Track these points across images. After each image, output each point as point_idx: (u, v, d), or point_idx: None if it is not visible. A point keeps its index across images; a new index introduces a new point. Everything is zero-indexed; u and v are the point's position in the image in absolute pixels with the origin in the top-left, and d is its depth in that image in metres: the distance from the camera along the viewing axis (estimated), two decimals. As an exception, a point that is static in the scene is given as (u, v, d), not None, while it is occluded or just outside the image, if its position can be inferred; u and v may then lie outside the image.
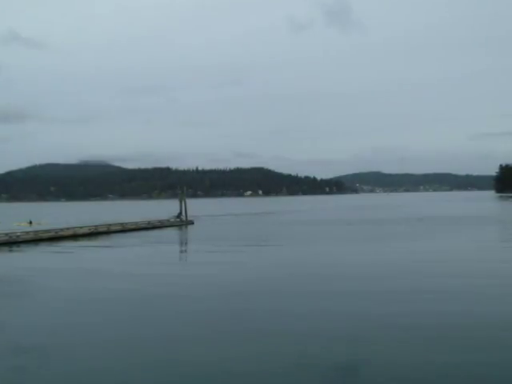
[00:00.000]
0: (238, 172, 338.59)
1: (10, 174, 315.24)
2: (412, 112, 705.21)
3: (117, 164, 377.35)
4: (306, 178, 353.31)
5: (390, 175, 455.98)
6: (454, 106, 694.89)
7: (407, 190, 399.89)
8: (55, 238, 36.40)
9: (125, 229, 44.06)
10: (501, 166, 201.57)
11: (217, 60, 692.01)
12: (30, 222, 52.35)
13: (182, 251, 31.24)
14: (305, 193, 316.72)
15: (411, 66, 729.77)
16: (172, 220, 52.67)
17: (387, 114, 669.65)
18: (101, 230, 41.76)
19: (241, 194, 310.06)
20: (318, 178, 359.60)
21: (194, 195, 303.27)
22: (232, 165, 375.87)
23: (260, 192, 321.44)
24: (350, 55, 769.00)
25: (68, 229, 40.04)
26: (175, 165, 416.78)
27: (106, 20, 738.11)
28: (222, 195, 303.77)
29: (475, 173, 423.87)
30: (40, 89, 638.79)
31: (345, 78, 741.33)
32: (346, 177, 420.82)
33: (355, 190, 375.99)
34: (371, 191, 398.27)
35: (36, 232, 37.23)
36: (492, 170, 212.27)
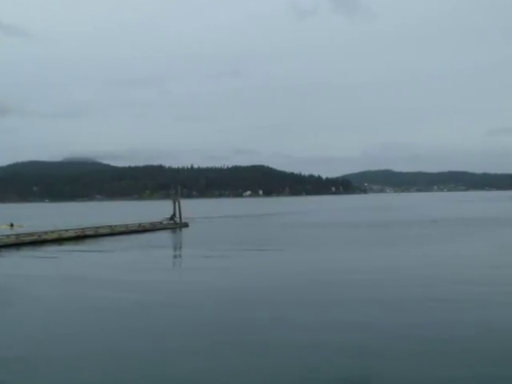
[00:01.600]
0: (237, 170, 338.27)
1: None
2: (425, 105, 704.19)
3: (105, 162, 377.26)
4: (310, 176, 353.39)
5: (400, 174, 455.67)
6: (470, 98, 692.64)
7: (420, 190, 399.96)
8: (38, 241, 36.50)
9: (114, 232, 44.15)
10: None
11: (213, 49, 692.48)
12: (12, 225, 52.45)
13: (175, 256, 31.34)
14: (309, 193, 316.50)
15: (424, 56, 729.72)
16: (165, 222, 52.79)
17: (398, 107, 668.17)
18: (88, 233, 41.87)
19: (239, 195, 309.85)
20: (323, 176, 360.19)
21: (189, 195, 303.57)
22: (230, 162, 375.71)
23: (260, 192, 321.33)
24: (358, 44, 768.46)
25: (52, 232, 40.13)
26: (168, 163, 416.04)
27: (94, 5, 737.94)
28: (220, 195, 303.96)
29: (493, 171, 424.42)
30: (22, 80, 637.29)
31: (352, 68, 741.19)
32: (353, 175, 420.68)
33: (364, 190, 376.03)
34: (381, 191, 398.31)
35: (18, 235, 37.33)
36: (511, 169, 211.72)
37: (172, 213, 54.31)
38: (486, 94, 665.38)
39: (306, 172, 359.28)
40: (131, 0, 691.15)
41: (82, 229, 43.09)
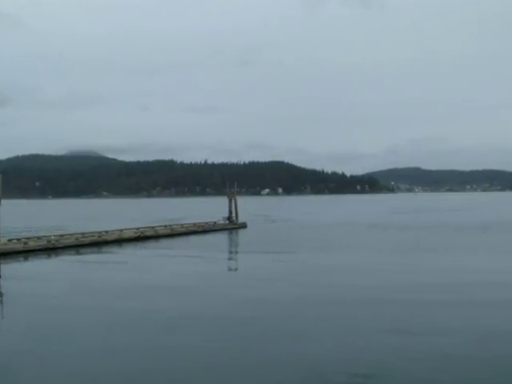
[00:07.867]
0: (254, 166, 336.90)
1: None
2: (457, 98, 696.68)
3: (111, 156, 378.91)
4: (334, 174, 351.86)
5: (430, 172, 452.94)
6: (505, 91, 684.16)
7: (451, 190, 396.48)
8: (99, 242, 36.01)
9: (173, 233, 43.65)
10: None
11: (225, 37, 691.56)
12: None
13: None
14: (332, 191, 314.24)
15: (455, 43, 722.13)
16: (221, 223, 52.16)
17: (427, 100, 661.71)
18: (147, 233, 41.30)
19: (257, 193, 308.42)
20: (348, 174, 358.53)
21: (203, 193, 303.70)
22: (244, 158, 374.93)
23: (280, 190, 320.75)
24: (384, 31, 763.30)
25: (108, 233, 39.64)
26: (180, 157, 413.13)
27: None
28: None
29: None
30: (22, 69, 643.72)
31: (380, 54, 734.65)
32: (379, 173, 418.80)
33: (391, 189, 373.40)
34: (409, 190, 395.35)
35: (81, 234, 36.91)
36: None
37: (229, 212, 53.69)
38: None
39: (327, 169, 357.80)
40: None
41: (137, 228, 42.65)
